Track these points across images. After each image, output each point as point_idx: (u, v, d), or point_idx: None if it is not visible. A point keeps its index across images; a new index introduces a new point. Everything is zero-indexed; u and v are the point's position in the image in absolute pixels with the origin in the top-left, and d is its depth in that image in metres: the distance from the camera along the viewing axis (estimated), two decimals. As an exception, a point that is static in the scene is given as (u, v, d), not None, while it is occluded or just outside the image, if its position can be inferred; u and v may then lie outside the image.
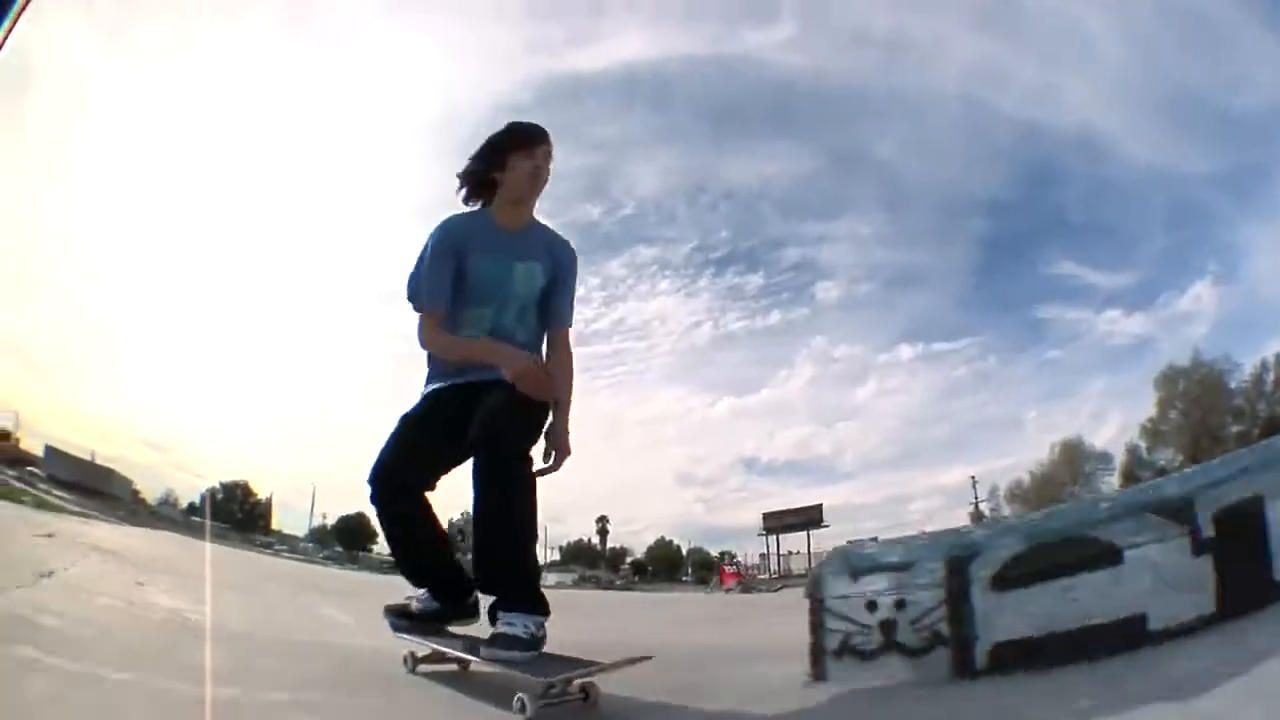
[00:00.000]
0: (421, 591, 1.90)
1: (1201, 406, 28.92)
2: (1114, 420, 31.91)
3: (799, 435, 38.14)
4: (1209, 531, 1.55)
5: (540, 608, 1.61)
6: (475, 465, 1.65)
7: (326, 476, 28.32)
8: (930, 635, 1.70)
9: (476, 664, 1.71)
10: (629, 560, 35.13)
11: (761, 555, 30.42)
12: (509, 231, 1.82)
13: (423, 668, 1.84)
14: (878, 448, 45.26)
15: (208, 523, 24.38)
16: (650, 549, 34.41)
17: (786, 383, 39.53)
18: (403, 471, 1.82)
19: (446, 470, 1.83)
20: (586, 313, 37.87)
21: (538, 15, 42.25)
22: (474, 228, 1.82)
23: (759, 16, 41.03)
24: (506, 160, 1.79)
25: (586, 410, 40.51)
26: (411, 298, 1.84)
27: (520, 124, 1.86)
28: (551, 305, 1.89)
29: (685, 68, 35.70)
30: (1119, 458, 29.28)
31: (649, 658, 1.68)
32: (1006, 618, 1.64)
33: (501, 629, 1.56)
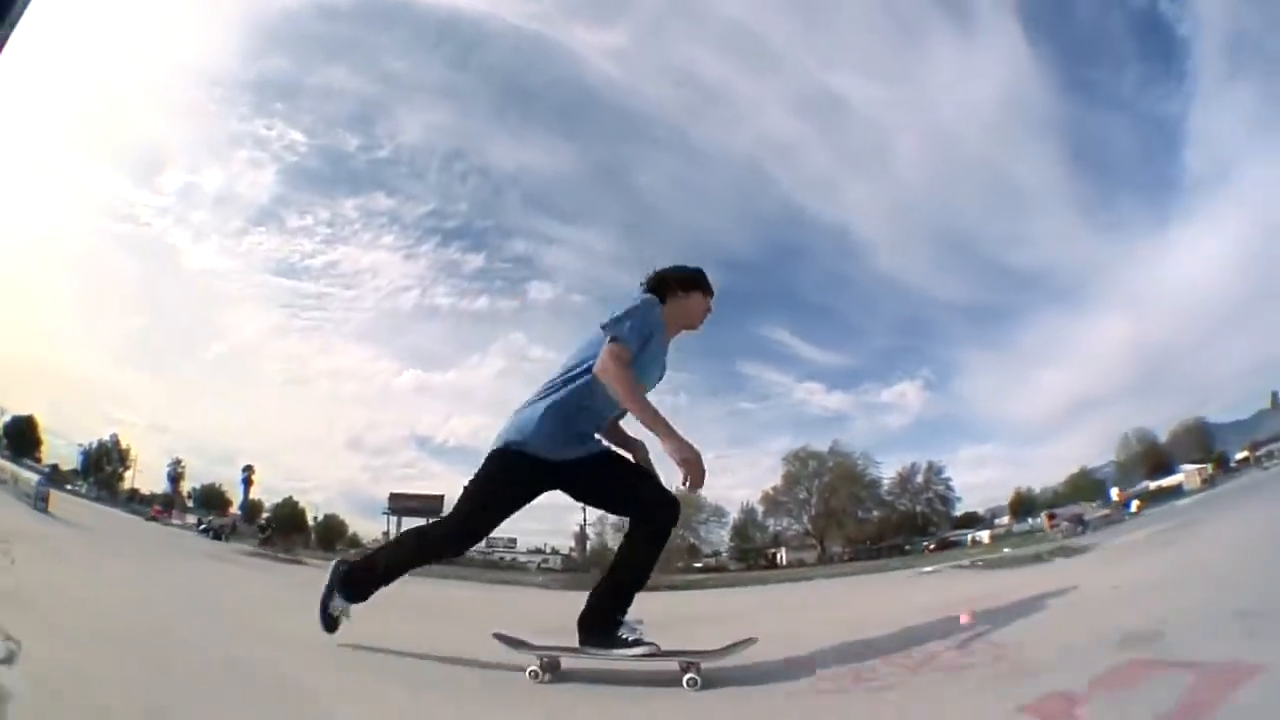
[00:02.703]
0: None
1: (828, 489, 31.49)
2: (790, 477, 34.31)
3: (476, 424, 37.12)
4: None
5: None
6: (646, 523, 2.30)
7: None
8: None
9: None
10: (264, 516, 31.94)
11: (384, 534, 28.87)
12: (668, 339, 2.48)
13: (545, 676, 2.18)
14: None
15: None
16: (277, 507, 31.34)
17: (476, 369, 38.35)
18: None
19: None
20: (306, 245, 34.22)
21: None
22: (661, 327, 2.36)
23: (598, 18, 40.71)
24: (693, 293, 2.49)
25: (277, 348, 36.66)
26: (611, 326, 2.20)
27: (706, 275, 2.56)
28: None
29: (503, 33, 33.29)
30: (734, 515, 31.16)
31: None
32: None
33: (638, 635, 2.20)
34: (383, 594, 2.50)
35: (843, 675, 2.11)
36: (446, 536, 2.42)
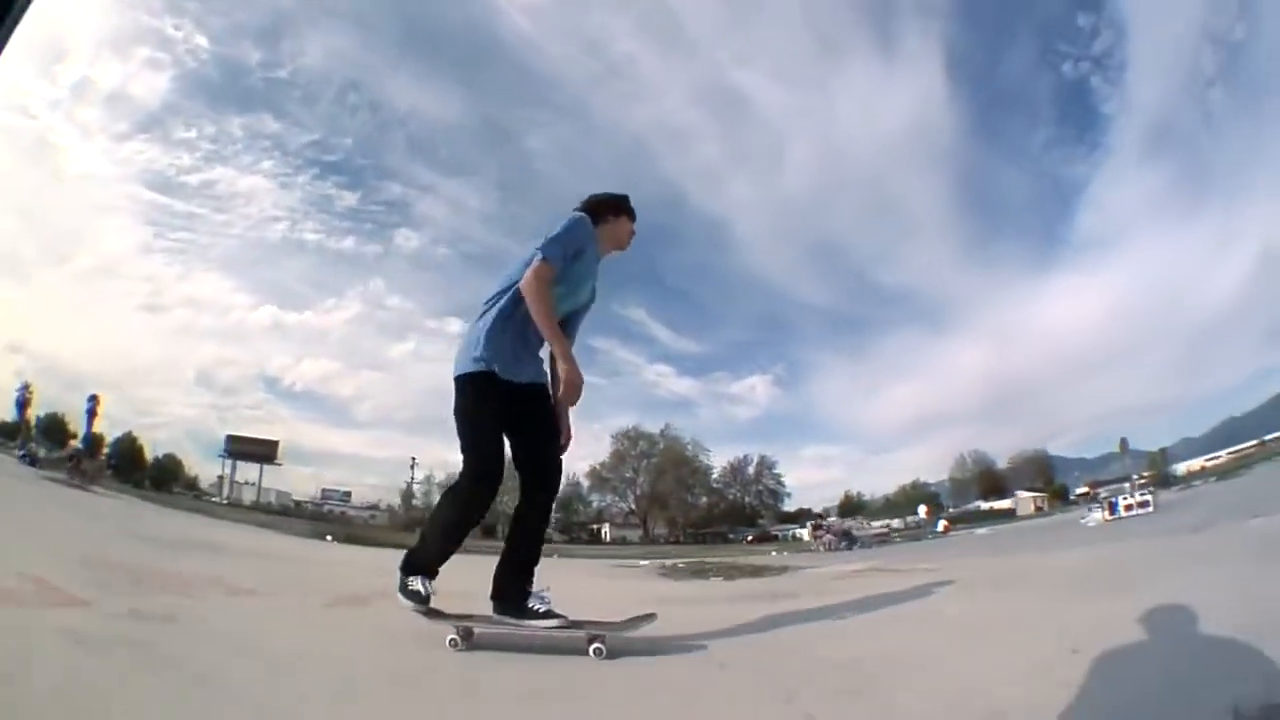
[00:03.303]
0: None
1: (655, 471, 31.80)
2: (623, 452, 34.80)
3: (326, 369, 36.73)
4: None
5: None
6: (534, 482, 2.38)
7: None
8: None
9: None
10: (105, 452, 30.64)
11: (219, 477, 28.17)
12: (599, 257, 2.54)
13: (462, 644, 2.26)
14: (396, 408, 44.67)
15: None
16: (118, 441, 30.23)
17: (331, 312, 37.92)
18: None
19: None
20: (186, 160, 33.09)
21: None
22: (593, 241, 2.43)
23: (524, -23, 39.41)
24: (620, 217, 2.59)
25: (140, 268, 35.19)
26: (545, 247, 2.28)
27: (630, 201, 2.66)
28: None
29: (428, -25, 33.21)
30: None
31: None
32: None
33: (548, 606, 2.28)
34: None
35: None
36: (470, 486, 2.28)
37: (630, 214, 2.62)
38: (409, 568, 2.31)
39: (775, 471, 32.57)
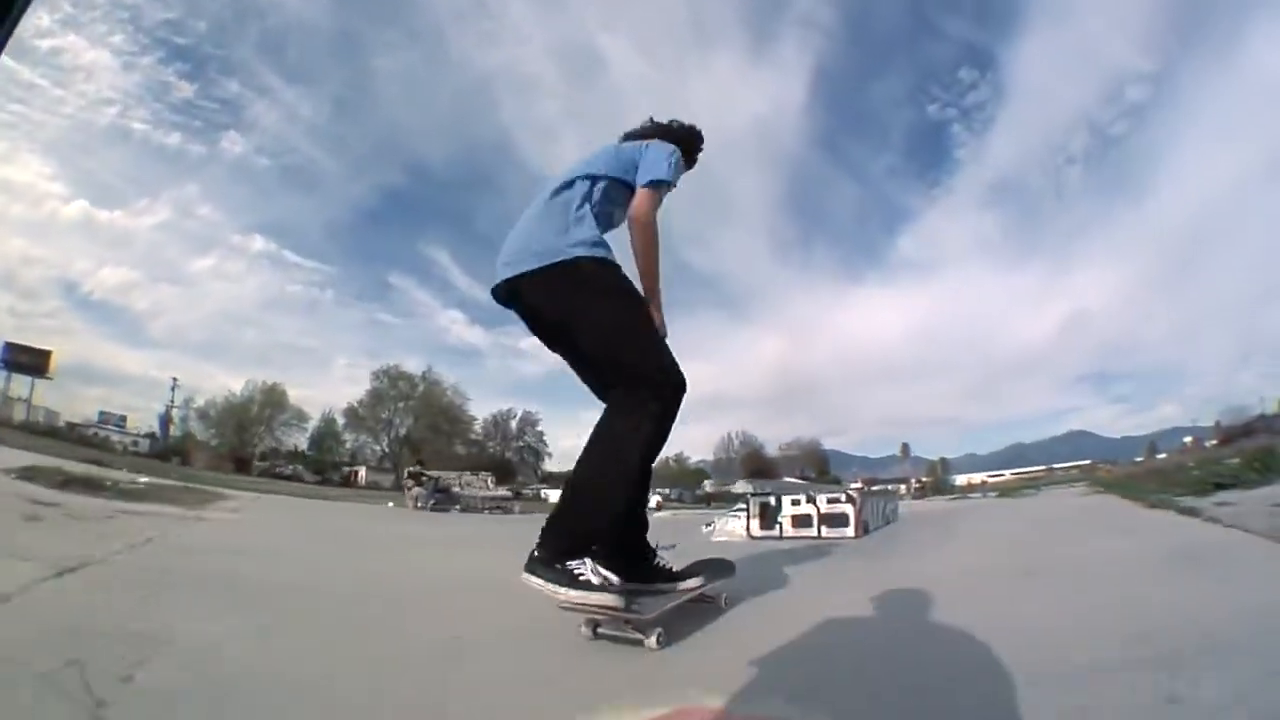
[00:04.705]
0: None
1: (413, 411, 31.37)
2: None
3: (125, 279, 36.16)
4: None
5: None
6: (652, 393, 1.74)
7: None
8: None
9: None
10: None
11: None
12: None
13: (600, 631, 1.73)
14: (190, 327, 44.37)
15: None
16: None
17: (141, 215, 37.25)
18: None
19: None
20: (43, 21, 31.77)
21: None
22: None
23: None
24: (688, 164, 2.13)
25: None
26: (669, 174, 1.87)
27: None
28: None
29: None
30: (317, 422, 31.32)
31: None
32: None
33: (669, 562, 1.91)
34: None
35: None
36: (667, 380, 1.68)
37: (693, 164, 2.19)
38: (568, 549, 1.55)
39: (538, 429, 32.78)
